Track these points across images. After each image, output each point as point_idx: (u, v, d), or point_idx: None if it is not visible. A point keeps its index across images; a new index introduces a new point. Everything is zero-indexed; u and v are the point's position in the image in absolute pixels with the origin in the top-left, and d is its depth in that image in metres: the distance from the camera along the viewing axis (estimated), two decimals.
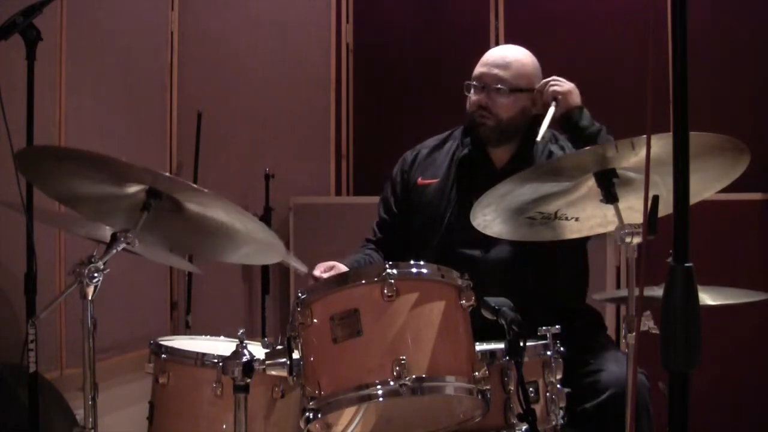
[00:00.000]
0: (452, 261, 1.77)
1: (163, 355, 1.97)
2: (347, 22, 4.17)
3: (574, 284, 2.51)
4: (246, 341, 1.76)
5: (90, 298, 1.81)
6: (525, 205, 2.00)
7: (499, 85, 2.41)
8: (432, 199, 2.49)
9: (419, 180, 2.54)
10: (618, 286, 3.49)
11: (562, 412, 1.90)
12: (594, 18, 3.95)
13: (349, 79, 4.18)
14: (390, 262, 1.67)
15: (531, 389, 1.82)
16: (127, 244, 1.85)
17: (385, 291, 1.62)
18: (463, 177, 2.48)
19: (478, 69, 2.47)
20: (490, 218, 2.05)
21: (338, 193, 4.12)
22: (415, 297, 1.64)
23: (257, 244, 2.05)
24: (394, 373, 1.57)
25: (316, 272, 2.19)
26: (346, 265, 2.32)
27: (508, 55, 2.48)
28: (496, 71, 2.43)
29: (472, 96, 2.46)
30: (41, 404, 2.24)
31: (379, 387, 1.58)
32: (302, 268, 2.19)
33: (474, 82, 2.45)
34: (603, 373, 2.21)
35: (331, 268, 2.23)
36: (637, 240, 1.80)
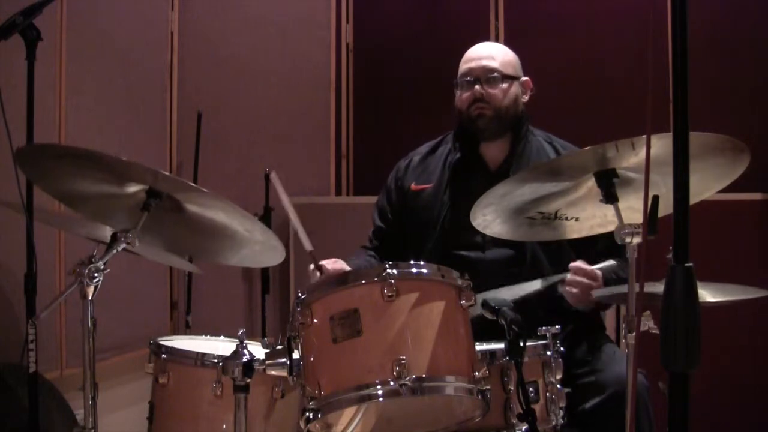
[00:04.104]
0: (448, 264, 1.77)
1: (163, 355, 1.97)
2: (347, 22, 4.17)
3: None
4: (246, 341, 1.76)
5: (90, 298, 1.81)
6: (525, 205, 2.00)
7: (492, 74, 2.45)
8: (426, 204, 2.51)
9: (413, 185, 2.56)
10: None
11: (562, 412, 1.90)
12: (594, 18, 3.95)
13: (349, 79, 4.18)
14: (390, 262, 1.67)
15: (531, 389, 1.82)
16: (127, 244, 1.85)
17: (385, 291, 1.62)
18: (456, 181, 2.49)
19: (466, 65, 2.50)
20: (490, 218, 2.05)
21: (338, 193, 4.12)
22: (415, 297, 1.64)
23: (257, 246, 2.05)
24: (394, 373, 1.57)
25: (323, 262, 2.21)
26: (349, 264, 2.34)
27: (491, 48, 2.57)
28: (485, 62, 2.47)
29: (464, 93, 2.47)
30: (41, 404, 2.24)
31: (379, 387, 1.58)
32: (307, 244, 2.18)
33: (466, 78, 2.47)
34: (602, 372, 2.21)
35: (335, 263, 2.26)
36: (637, 240, 1.80)
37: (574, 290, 2.17)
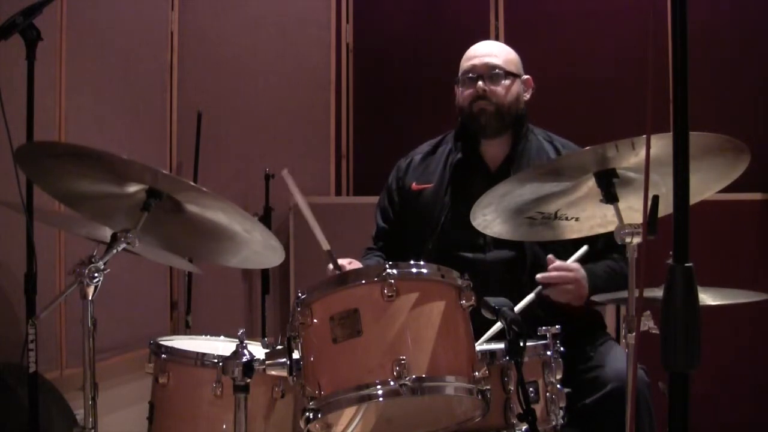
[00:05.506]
0: (449, 264, 1.77)
1: (163, 355, 1.97)
2: (347, 22, 4.17)
3: None
4: (246, 341, 1.76)
5: (90, 298, 1.81)
6: (525, 205, 2.00)
7: (495, 71, 2.45)
8: (427, 204, 2.50)
9: (413, 185, 2.55)
10: None
11: (562, 412, 1.90)
12: (594, 18, 3.95)
13: (349, 79, 4.18)
14: (390, 262, 1.67)
15: (531, 389, 1.82)
16: (127, 244, 1.85)
17: (385, 291, 1.62)
18: (457, 181, 2.48)
19: (468, 62, 2.50)
20: (490, 218, 2.05)
21: (338, 193, 4.13)
22: (415, 297, 1.64)
23: (257, 247, 2.05)
24: (394, 373, 1.57)
25: (342, 261, 2.16)
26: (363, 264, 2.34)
27: (493, 46, 2.58)
28: (488, 59, 2.47)
29: (466, 90, 2.47)
30: (41, 404, 2.24)
31: (379, 387, 1.58)
32: (325, 244, 2.12)
33: (468, 75, 2.47)
34: (603, 368, 2.22)
35: (351, 264, 2.24)
36: (637, 240, 1.80)
37: (557, 288, 2.18)
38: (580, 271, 2.20)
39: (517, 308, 2.13)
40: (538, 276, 2.18)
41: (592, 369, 2.24)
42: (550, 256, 2.21)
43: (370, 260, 2.53)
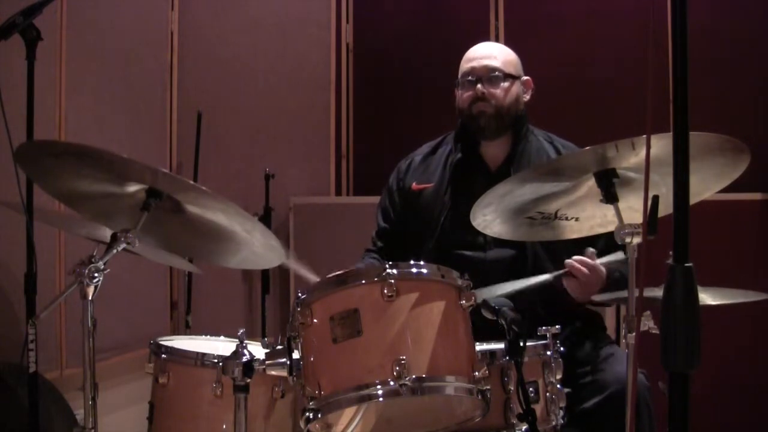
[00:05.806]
0: (449, 263, 1.77)
1: (163, 355, 1.97)
2: (347, 22, 4.17)
3: None
4: (246, 341, 1.76)
5: (90, 298, 1.81)
6: (525, 205, 2.00)
7: (494, 73, 2.45)
8: (427, 204, 2.51)
9: (414, 185, 2.56)
10: None
11: (562, 412, 1.90)
12: (594, 18, 3.95)
13: (349, 79, 4.18)
14: (390, 262, 1.67)
15: (531, 389, 1.82)
16: (127, 244, 1.85)
17: (385, 291, 1.62)
18: (457, 181, 2.49)
19: (468, 65, 2.50)
20: (490, 218, 2.05)
21: (338, 193, 4.13)
22: (415, 297, 1.64)
23: (257, 248, 2.05)
24: (394, 373, 1.57)
25: None
26: None
27: (492, 48, 2.58)
28: (486, 62, 2.47)
29: (465, 92, 2.48)
30: (41, 404, 2.23)
31: (379, 387, 1.58)
32: (313, 277, 2.13)
33: (467, 77, 2.47)
34: (604, 372, 2.22)
35: None
36: (637, 240, 1.80)
37: (575, 281, 2.15)
38: (602, 277, 2.17)
39: (531, 281, 2.13)
40: (568, 261, 2.15)
41: (593, 372, 2.24)
42: (592, 250, 2.16)
43: (365, 261, 2.53)
